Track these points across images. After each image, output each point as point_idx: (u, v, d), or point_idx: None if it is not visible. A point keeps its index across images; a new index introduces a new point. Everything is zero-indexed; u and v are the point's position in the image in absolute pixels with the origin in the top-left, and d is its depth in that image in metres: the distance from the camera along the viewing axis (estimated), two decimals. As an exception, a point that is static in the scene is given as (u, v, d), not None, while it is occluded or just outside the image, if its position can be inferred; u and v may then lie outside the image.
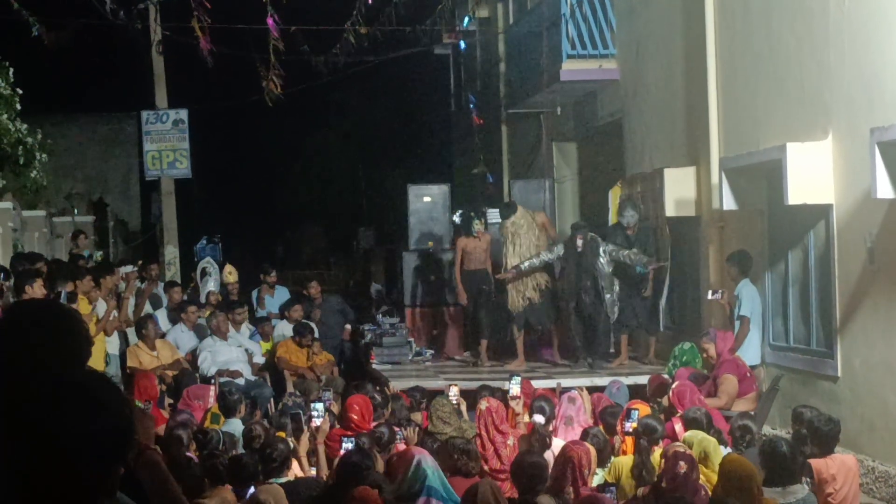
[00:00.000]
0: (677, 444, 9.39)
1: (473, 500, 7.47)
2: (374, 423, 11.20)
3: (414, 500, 8.29)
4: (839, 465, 9.50)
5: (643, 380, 14.00)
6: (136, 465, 3.72)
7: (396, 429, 10.61)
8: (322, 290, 20.57)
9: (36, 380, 2.36)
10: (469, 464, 9.29)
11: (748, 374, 13.07)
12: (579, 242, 16.04)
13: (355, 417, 11.29)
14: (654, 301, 16.73)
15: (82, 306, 14.04)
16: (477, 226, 17.25)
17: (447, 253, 19.39)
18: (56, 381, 2.36)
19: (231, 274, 20.02)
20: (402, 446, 9.88)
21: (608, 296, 16.01)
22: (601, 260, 15.97)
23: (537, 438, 10.25)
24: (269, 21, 19.13)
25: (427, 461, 8.88)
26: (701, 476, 9.17)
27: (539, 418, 11.01)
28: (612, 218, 17.90)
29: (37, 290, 12.36)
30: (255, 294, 20.24)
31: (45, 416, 2.30)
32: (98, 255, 22.71)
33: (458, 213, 18.49)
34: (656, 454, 9.46)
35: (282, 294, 20.17)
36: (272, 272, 20.55)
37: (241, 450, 10.43)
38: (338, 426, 11.22)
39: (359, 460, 8.44)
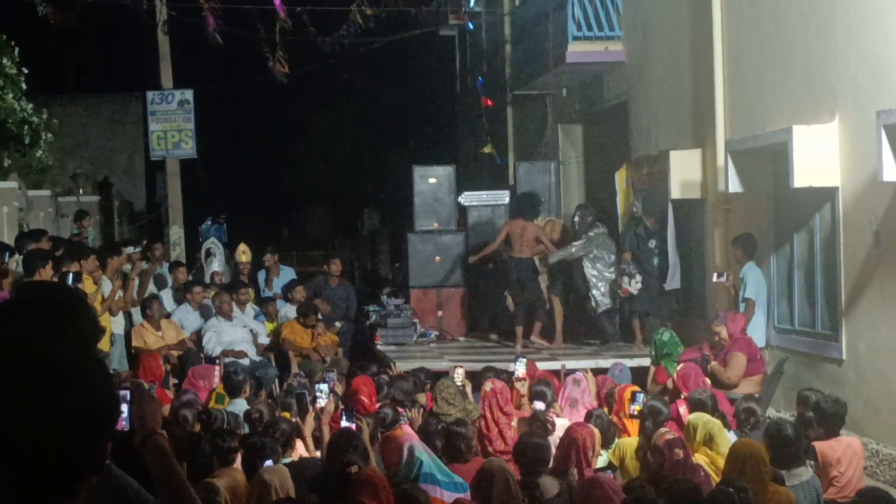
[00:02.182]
0: (663, 430, 9.38)
1: (490, 481, 7.48)
2: (377, 405, 11.22)
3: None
4: (844, 448, 9.51)
5: (647, 362, 13.99)
6: (142, 448, 3.75)
7: (401, 410, 10.61)
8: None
9: (21, 358, 2.40)
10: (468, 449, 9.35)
11: (758, 356, 13.04)
12: (575, 219, 16.31)
13: (365, 400, 11.32)
14: (661, 285, 16.74)
15: (87, 286, 14.06)
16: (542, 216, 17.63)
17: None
18: (41, 358, 2.39)
19: (244, 253, 19.98)
20: (406, 427, 9.88)
21: (594, 285, 16.36)
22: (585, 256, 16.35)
23: (539, 425, 10.23)
24: (277, 2, 19.12)
25: (418, 447, 8.89)
26: (705, 458, 9.19)
27: (539, 405, 11.00)
28: (619, 201, 17.90)
29: (48, 271, 12.38)
30: (262, 275, 20.22)
31: (27, 393, 2.33)
32: (91, 233, 22.66)
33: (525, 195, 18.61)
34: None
35: (287, 274, 20.16)
36: (270, 254, 20.50)
37: (245, 430, 10.44)
38: (342, 407, 11.23)
39: (343, 440, 8.47)
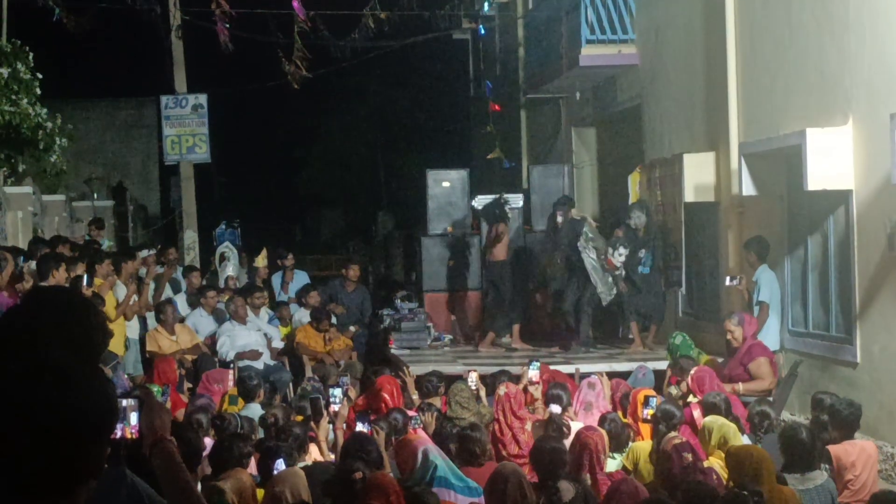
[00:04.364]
0: (671, 435, 9.38)
1: (504, 485, 7.49)
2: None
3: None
4: (859, 452, 9.49)
5: (662, 365, 13.96)
6: (151, 454, 3.79)
7: (414, 413, 10.62)
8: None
9: (14, 363, 2.43)
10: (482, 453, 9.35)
11: (772, 360, 13.02)
12: (559, 219, 16.18)
13: (388, 398, 11.35)
14: (660, 291, 16.80)
15: (102, 290, 14.09)
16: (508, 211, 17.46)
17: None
18: (35, 364, 2.43)
19: (264, 258, 20.03)
20: (420, 431, 9.89)
21: (595, 278, 16.10)
22: (581, 242, 16.10)
23: (555, 428, 10.23)
24: (295, 4, 19.15)
25: (432, 451, 8.90)
26: (720, 461, 9.18)
27: (556, 408, 11.00)
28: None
29: (61, 274, 12.42)
30: (278, 279, 20.24)
31: (19, 398, 2.38)
32: (108, 243, 22.71)
33: (491, 199, 18.48)
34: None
35: (300, 278, 20.18)
36: (288, 255, 20.55)
37: (259, 434, 10.47)
38: (356, 411, 11.24)
39: (354, 445, 8.48)
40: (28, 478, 2.34)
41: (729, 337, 12.88)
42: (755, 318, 13.43)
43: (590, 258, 16.10)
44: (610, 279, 16.16)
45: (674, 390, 11.96)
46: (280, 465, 8.40)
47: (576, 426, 10.41)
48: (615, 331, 17.68)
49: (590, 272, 16.10)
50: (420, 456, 8.97)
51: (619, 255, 16.17)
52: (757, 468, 7.95)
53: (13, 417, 2.33)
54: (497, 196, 18.19)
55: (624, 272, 16.18)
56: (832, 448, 9.36)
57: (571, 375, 13.92)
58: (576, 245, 16.14)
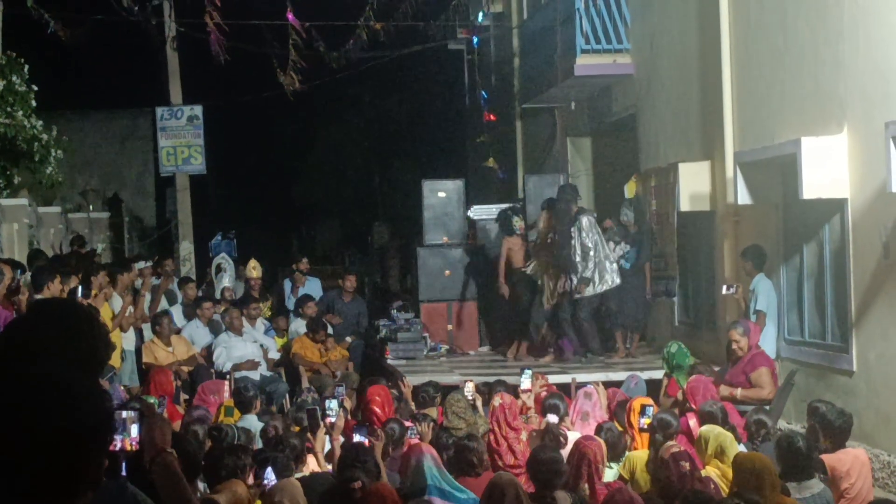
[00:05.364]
0: (669, 444, 9.38)
1: (500, 496, 7.48)
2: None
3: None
4: (853, 460, 9.48)
5: (658, 374, 13.98)
6: (151, 466, 3.80)
7: (410, 423, 10.61)
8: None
9: (8, 375, 2.46)
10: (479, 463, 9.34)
11: (774, 369, 13.01)
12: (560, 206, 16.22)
13: (378, 410, 11.34)
14: (642, 298, 16.86)
15: (97, 302, 14.09)
16: (517, 223, 17.36)
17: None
18: (29, 376, 2.46)
19: (255, 269, 20.03)
20: (416, 441, 9.89)
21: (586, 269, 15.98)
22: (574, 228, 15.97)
23: (552, 438, 10.23)
24: (290, 16, 19.17)
25: (428, 462, 8.88)
26: (716, 470, 9.18)
27: (553, 418, 11.00)
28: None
29: (56, 286, 12.41)
30: (289, 284, 20.24)
31: (11, 410, 2.40)
32: (102, 246, 22.75)
33: (498, 212, 18.48)
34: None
35: (313, 285, 20.22)
36: (303, 259, 20.57)
37: (258, 445, 10.46)
38: (353, 421, 11.23)
39: (351, 455, 8.48)
40: (29, 480, 2.36)
41: (734, 346, 12.82)
42: (758, 326, 13.44)
43: (582, 243, 15.94)
44: (590, 269, 16.03)
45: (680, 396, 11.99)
46: (269, 474, 8.38)
47: (572, 436, 10.40)
48: (606, 339, 17.64)
49: (575, 253, 15.92)
50: (418, 466, 8.96)
51: (620, 250, 16.28)
52: (759, 477, 7.94)
53: (13, 421, 2.35)
54: (505, 208, 18.24)
55: (624, 244, 16.27)
56: (826, 458, 9.35)
57: (568, 386, 13.93)
58: (569, 231, 16.01)
